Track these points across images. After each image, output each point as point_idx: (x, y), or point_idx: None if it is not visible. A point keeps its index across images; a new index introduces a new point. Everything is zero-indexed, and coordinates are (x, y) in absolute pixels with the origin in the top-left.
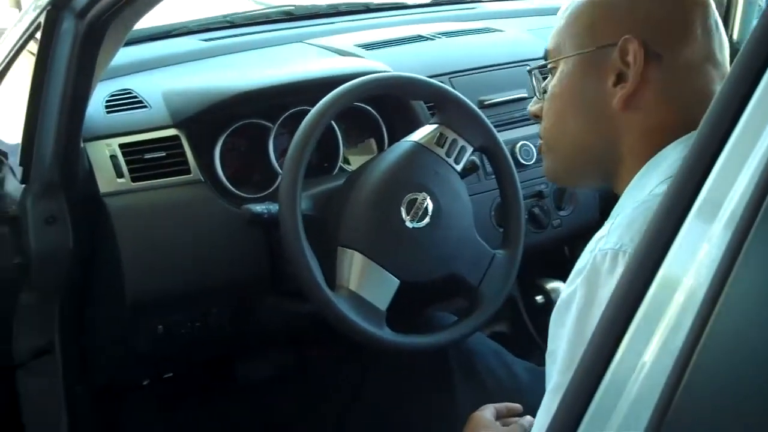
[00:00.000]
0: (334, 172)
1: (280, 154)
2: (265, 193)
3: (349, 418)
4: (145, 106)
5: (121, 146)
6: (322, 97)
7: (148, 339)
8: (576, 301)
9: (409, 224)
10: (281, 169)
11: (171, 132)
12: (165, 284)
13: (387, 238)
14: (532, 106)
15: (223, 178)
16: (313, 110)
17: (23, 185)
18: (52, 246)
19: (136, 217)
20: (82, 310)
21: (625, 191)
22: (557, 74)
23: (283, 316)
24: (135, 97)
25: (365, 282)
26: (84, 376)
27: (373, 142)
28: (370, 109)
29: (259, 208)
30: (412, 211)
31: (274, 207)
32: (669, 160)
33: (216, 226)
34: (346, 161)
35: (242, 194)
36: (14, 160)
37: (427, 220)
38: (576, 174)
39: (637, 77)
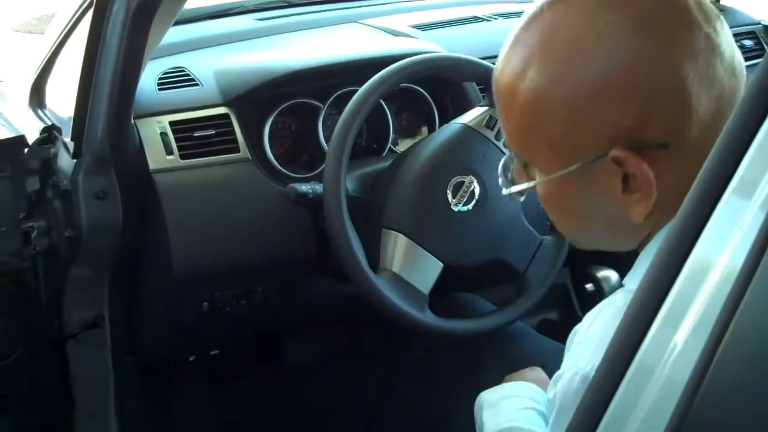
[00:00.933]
0: (384, 154)
1: (329, 134)
2: (314, 173)
3: (386, 401)
4: (197, 84)
5: (172, 123)
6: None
7: (194, 315)
8: (553, 411)
9: (454, 207)
10: None
11: (221, 110)
12: (211, 261)
13: (432, 220)
14: (507, 191)
15: (272, 157)
16: (360, 90)
17: (75, 160)
18: (102, 220)
19: (184, 194)
20: (131, 284)
21: (632, 270)
22: (538, 179)
23: (328, 297)
24: (187, 75)
25: (408, 265)
26: (132, 349)
27: (423, 124)
28: (421, 90)
29: (304, 187)
30: (458, 194)
31: (319, 187)
32: None
33: (263, 204)
34: (396, 143)
35: (290, 173)
36: (68, 136)
37: (473, 203)
38: (607, 247)
39: (652, 188)
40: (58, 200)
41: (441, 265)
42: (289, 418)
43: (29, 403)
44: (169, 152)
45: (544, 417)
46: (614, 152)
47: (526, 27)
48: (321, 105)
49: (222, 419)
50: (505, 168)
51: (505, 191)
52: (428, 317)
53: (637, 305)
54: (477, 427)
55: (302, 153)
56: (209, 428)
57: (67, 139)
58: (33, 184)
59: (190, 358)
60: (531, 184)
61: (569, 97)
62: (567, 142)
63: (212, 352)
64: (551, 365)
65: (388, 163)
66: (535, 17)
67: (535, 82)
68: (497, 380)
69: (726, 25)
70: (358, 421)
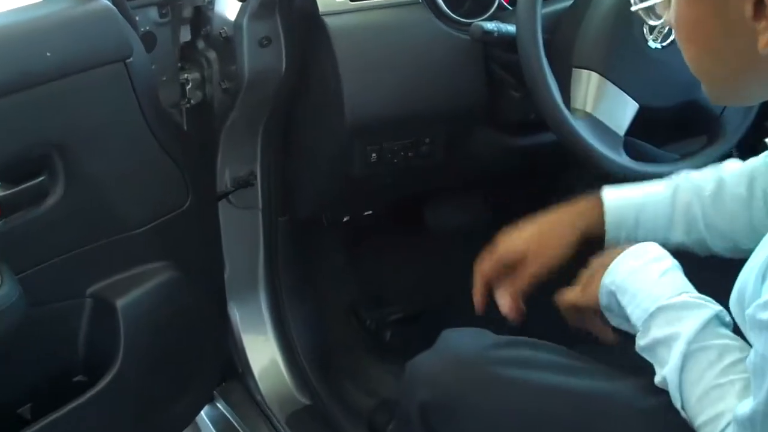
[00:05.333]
0: None
1: None
2: (481, 18)
3: None
4: None
5: None
6: None
7: (362, 165)
8: None
9: (651, 44)
10: None
11: None
12: (382, 108)
13: (626, 58)
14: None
15: (440, 1)
16: None
17: (240, 3)
18: (264, 68)
19: (355, 36)
20: (289, 138)
21: None
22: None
23: (495, 150)
24: None
25: (603, 104)
26: (285, 209)
27: None
28: None
29: (489, 25)
30: (655, 31)
31: (504, 26)
32: None
33: (433, 49)
34: None
35: (458, 18)
36: None
37: (671, 39)
38: (742, 99)
39: None
40: (212, 50)
41: (636, 105)
42: (431, 288)
43: (187, 258)
44: None
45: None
46: None
47: None
48: None
49: (366, 288)
50: None
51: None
52: (624, 159)
53: None
54: (612, 317)
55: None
56: (354, 296)
57: None
58: (185, 34)
59: (344, 219)
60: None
61: None
62: None
63: (365, 213)
64: None
65: (566, 3)
66: None
67: None
68: None
69: None
70: None
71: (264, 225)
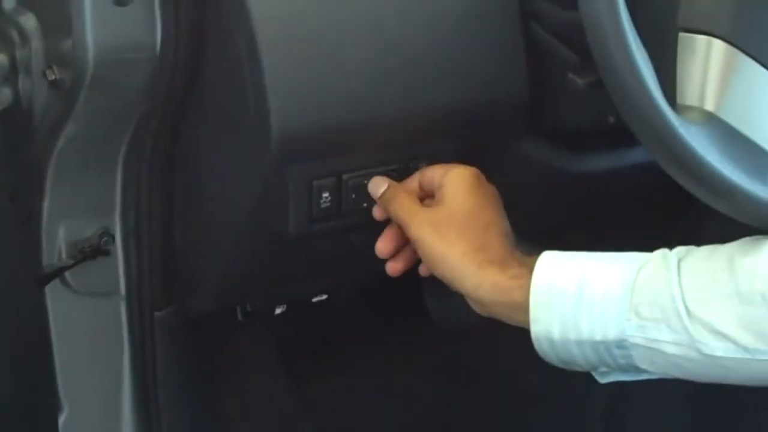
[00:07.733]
0: None
1: None
2: None
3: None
4: None
5: None
6: None
7: (305, 216)
8: None
9: None
10: None
11: None
12: (339, 107)
13: None
14: None
15: None
16: None
17: None
18: (123, 44)
19: None
20: (171, 169)
21: None
22: None
23: (542, 180)
24: None
25: (735, 97)
26: (171, 294)
27: None
28: None
29: None
30: None
31: None
32: None
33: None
34: None
35: None
36: None
37: None
38: None
39: None
40: (29, 13)
41: None
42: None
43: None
44: None
45: None
46: None
47: None
48: None
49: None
50: None
51: None
52: None
53: None
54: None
55: None
56: None
57: None
58: None
59: (278, 310)
60: None
61: None
62: None
63: (316, 299)
64: None
65: None
66: None
67: None
68: None
69: None
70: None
71: (130, 325)
